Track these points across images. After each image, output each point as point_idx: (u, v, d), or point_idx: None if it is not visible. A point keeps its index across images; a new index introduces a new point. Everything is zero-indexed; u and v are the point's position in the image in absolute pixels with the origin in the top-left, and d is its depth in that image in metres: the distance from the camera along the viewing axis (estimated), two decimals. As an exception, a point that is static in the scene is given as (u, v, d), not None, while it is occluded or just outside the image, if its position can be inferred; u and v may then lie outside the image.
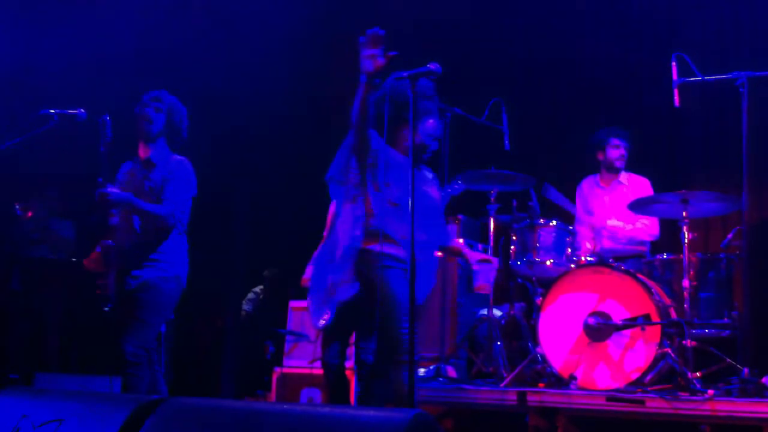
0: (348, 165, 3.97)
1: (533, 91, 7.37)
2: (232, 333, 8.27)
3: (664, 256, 5.16)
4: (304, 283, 5.25)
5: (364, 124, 3.81)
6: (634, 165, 5.93)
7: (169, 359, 6.53)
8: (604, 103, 7.02)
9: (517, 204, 5.47)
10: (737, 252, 4.92)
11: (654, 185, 5.87)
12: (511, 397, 4.57)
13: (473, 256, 4.37)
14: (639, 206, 5.19)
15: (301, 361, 6.43)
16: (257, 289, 8.39)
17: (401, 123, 3.91)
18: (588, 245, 5.30)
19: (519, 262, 5.25)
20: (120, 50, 7.64)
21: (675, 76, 4.60)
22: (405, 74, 3.72)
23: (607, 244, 5.49)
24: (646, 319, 4.61)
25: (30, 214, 6.99)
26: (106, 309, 4.31)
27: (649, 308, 4.63)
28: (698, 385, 4.28)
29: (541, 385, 4.84)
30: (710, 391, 4.14)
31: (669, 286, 5.02)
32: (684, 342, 4.54)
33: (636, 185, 5.83)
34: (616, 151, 5.82)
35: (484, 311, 5.46)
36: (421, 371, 5.29)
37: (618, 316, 4.70)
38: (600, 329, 4.71)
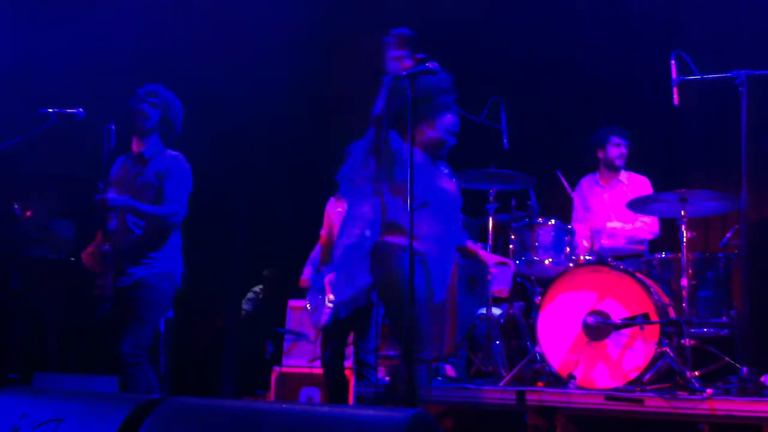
0: (365, 164, 3.91)
1: (532, 91, 7.37)
2: (232, 333, 8.28)
3: (663, 255, 5.16)
4: (303, 284, 5.25)
5: (386, 125, 3.77)
6: (633, 164, 5.93)
7: (168, 359, 6.54)
8: (603, 102, 7.03)
9: (516, 203, 5.48)
10: (736, 251, 4.93)
11: (653, 184, 5.88)
12: (510, 396, 4.57)
13: (490, 258, 4.31)
14: (638, 205, 5.20)
15: (300, 360, 6.44)
16: (257, 288, 8.40)
17: (418, 118, 3.87)
18: (585, 243, 5.31)
19: (518, 262, 5.24)
20: (120, 50, 7.64)
21: (674, 75, 4.60)
22: (404, 73, 3.71)
23: (606, 242, 5.49)
24: (644, 318, 4.61)
25: (29, 213, 6.98)
26: (100, 311, 4.27)
27: (648, 307, 4.63)
28: (697, 384, 4.28)
29: (540, 384, 4.84)
30: (709, 390, 4.15)
31: (668, 285, 5.02)
32: (683, 341, 4.55)
33: (635, 184, 5.83)
34: (616, 150, 5.84)
35: (483, 310, 5.47)
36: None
37: (617, 315, 4.70)
38: (599, 328, 4.71)
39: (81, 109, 4.47)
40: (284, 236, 7.93)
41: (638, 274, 4.82)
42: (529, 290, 5.47)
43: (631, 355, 4.63)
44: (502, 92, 5.79)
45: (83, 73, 7.41)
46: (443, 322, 5.63)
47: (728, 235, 5.11)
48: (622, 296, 4.72)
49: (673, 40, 6.46)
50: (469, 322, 5.71)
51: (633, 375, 4.57)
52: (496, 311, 5.51)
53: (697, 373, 4.54)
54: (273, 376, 6.39)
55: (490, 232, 5.42)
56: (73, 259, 6.68)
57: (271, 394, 6.32)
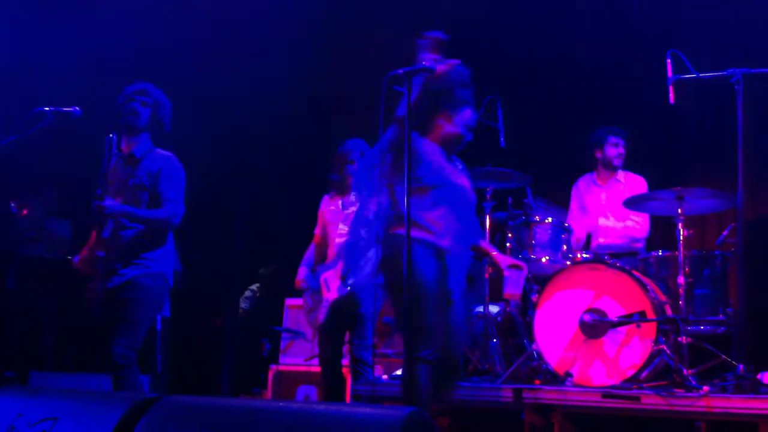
0: (383, 160, 3.85)
1: (529, 89, 7.38)
2: (232, 332, 8.29)
3: (660, 253, 5.17)
4: (298, 284, 5.26)
5: (411, 125, 3.73)
6: (630, 162, 5.94)
7: (165, 357, 6.55)
8: (600, 100, 7.03)
9: (513, 201, 5.49)
10: (732, 249, 4.94)
11: (649, 182, 5.89)
12: (507, 394, 4.57)
13: (503, 260, 4.24)
14: (634, 203, 5.21)
15: (297, 358, 6.45)
16: (254, 287, 8.42)
17: (437, 112, 3.86)
18: (579, 239, 5.33)
19: (515, 260, 5.25)
20: (120, 50, 7.65)
21: (670, 73, 4.60)
22: (401, 71, 3.70)
23: (601, 239, 5.51)
24: (641, 316, 4.61)
25: (25, 212, 6.97)
26: (90, 314, 4.23)
27: (645, 305, 4.64)
28: (693, 382, 4.28)
29: (536, 382, 4.84)
30: (705, 388, 4.15)
31: (664, 282, 5.03)
32: (679, 339, 4.55)
33: (632, 183, 5.85)
34: (614, 150, 5.85)
35: (480, 308, 5.48)
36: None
37: (613, 313, 4.70)
38: (595, 326, 4.72)
39: (78, 108, 4.40)
40: (284, 236, 7.94)
41: (635, 272, 4.83)
42: (526, 288, 5.47)
43: (627, 352, 4.63)
44: (499, 90, 5.80)
45: (82, 73, 7.41)
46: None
47: (725, 232, 5.13)
48: (619, 294, 4.72)
49: (670, 39, 6.47)
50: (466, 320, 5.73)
51: (630, 372, 4.57)
52: (493, 309, 5.52)
53: (693, 371, 4.55)
54: (270, 375, 6.41)
55: (487, 230, 5.43)
56: (69, 258, 6.69)
57: (268, 393, 6.33)
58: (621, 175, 5.89)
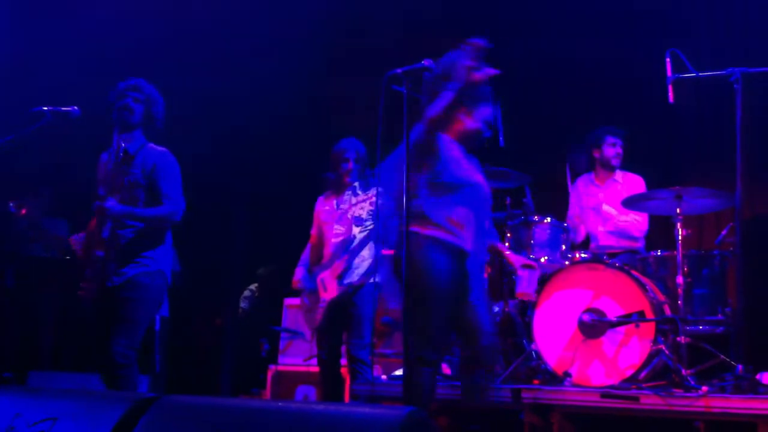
0: (406, 160, 3.78)
1: (529, 89, 7.38)
2: (230, 332, 8.30)
3: (658, 253, 5.17)
4: (295, 285, 5.26)
5: (440, 127, 3.74)
6: (628, 162, 5.94)
7: (164, 357, 6.55)
8: (599, 100, 7.04)
9: (512, 201, 5.49)
10: (731, 248, 4.93)
11: (648, 181, 5.89)
12: (506, 394, 4.57)
13: (517, 260, 4.25)
14: (633, 203, 5.21)
15: (296, 358, 6.44)
16: (253, 286, 8.42)
17: (458, 107, 3.84)
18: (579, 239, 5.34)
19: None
20: (119, 49, 7.65)
21: (669, 72, 4.60)
22: (399, 71, 3.70)
23: (600, 228, 5.52)
24: (640, 316, 4.61)
25: (24, 212, 6.96)
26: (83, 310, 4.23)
27: (644, 305, 4.64)
28: (692, 382, 4.28)
29: (535, 382, 4.84)
30: (704, 388, 4.15)
31: (663, 282, 5.02)
32: (678, 338, 4.55)
33: (630, 183, 5.84)
34: (612, 150, 5.85)
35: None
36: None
37: (612, 312, 4.70)
38: (594, 326, 4.72)
39: (76, 107, 4.38)
40: (283, 236, 7.94)
41: (634, 272, 4.82)
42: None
43: (626, 352, 4.63)
44: (497, 90, 5.79)
45: (83, 73, 7.42)
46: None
47: (723, 232, 5.13)
48: (618, 294, 4.72)
49: (669, 38, 6.47)
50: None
51: (629, 372, 4.57)
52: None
53: (692, 371, 4.55)
54: (269, 375, 6.41)
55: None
56: (67, 257, 6.68)
57: (267, 393, 6.32)
58: (619, 174, 5.89)
